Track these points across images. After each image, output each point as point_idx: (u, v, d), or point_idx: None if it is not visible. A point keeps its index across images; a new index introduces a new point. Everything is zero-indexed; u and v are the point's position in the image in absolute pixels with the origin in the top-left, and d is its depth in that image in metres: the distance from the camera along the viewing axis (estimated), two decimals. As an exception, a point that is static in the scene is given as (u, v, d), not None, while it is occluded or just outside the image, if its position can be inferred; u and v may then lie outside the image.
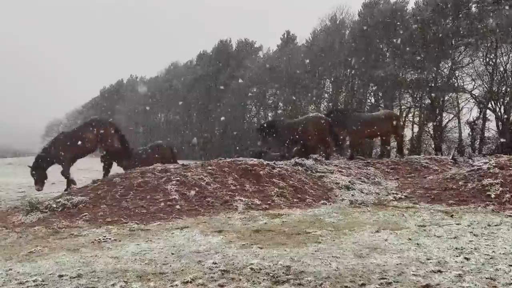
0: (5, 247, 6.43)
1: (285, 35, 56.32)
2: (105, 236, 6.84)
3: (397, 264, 4.99)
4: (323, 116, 16.47)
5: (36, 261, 5.44)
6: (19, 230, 7.69)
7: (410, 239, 6.25)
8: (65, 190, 11.90)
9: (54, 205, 8.93)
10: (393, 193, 10.76)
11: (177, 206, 8.90)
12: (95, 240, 6.63)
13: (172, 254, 5.62)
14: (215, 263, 5.07)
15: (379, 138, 17.55)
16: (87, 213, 8.50)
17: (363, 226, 7.26)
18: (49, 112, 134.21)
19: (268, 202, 9.53)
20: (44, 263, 5.28)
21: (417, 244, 5.94)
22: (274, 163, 12.20)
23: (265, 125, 16.62)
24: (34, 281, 4.55)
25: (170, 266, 5.07)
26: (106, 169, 13.73)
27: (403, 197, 10.43)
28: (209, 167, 11.09)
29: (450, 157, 15.63)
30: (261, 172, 10.90)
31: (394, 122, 16.34)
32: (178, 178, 10.12)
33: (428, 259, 5.17)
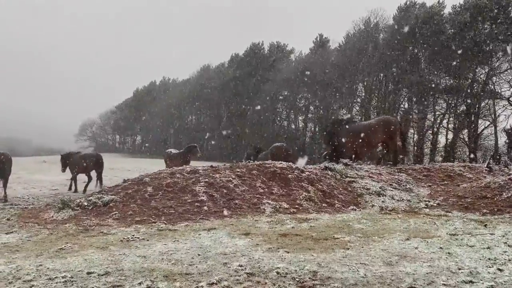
0: (36, 243, 6.58)
1: (318, 38, 55.97)
2: (133, 235, 6.92)
3: (427, 273, 4.84)
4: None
5: (65, 257, 5.53)
6: (50, 227, 7.87)
7: (441, 247, 6.07)
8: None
9: (85, 203, 9.10)
10: (425, 201, 10.52)
11: (205, 208, 8.93)
12: (124, 238, 6.71)
13: (199, 255, 5.63)
14: (241, 266, 5.05)
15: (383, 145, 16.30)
16: (117, 212, 8.64)
17: (393, 233, 7.10)
18: (83, 113, 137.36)
19: (296, 206, 9.46)
20: (73, 260, 5.36)
21: (448, 253, 5.76)
22: (304, 167, 12.11)
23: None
24: (63, 277, 4.63)
25: (196, 267, 5.07)
26: None
27: (435, 204, 10.16)
28: (238, 170, 11.10)
29: (485, 165, 15.12)
30: (290, 176, 10.84)
31: (391, 128, 15.17)
32: (207, 180, 10.17)
33: (460, 269, 5.01)
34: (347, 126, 15.52)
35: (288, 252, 5.72)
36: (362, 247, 6.11)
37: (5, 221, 8.55)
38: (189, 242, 6.42)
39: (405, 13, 41.35)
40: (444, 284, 4.49)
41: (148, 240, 6.66)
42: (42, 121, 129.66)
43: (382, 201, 10.29)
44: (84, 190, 14.52)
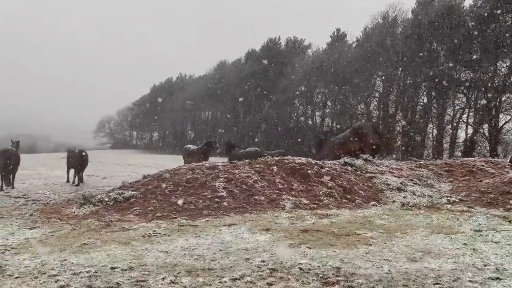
0: (60, 238, 6.66)
1: (335, 33, 55.47)
2: (155, 231, 6.96)
3: (452, 270, 4.78)
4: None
5: (89, 252, 5.59)
6: (72, 222, 7.97)
7: (465, 244, 5.98)
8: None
9: (107, 199, 9.19)
10: (447, 196, 10.38)
11: (225, 203, 8.95)
12: (146, 234, 6.76)
13: (220, 250, 5.63)
14: (263, 261, 5.04)
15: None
16: (137, 208, 8.70)
17: (415, 229, 7.02)
18: (103, 109, 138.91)
19: (316, 201, 9.41)
20: (96, 255, 5.41)
21: (473, 249, 5.68)
22: (323, 162, 12.04)
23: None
24: (87, 272, 4.67)
25: (219, 262, 5.08)
26: None
27: (457, 200, 10.01)
28: (257, 165, 11.09)
29: (508, 160, 14.85)
30: (309, 172, 10.78)
31: (363, 135, 15.95)
32: (226, 176, 10.18)
33: (485, 266, 4.93)
34: (331, 139, 17.59)
35: (310, 248, 5.70)
36: (385, 243, 6.06)
37: (28, 217, 8.68)
38: (210, 238, 6.43)
39: (424, 7, 40.70)
40: (470, 281, 4.42)
41: (169, 235, 6.69)
42: (62, 119, 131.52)
43: (403, 197, 10.19)
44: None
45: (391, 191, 10.62)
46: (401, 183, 11.04)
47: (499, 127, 34.32)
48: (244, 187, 9.77)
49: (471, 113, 37.41)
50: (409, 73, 41.57)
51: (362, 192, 10.36)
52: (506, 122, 34.74)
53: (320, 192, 9.87)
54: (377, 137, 16.56)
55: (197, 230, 7.04)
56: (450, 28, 36.66)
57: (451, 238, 6.33)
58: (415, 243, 6.02)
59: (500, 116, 34.70)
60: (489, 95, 33.83)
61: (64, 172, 17.31)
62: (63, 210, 9.16)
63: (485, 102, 35.09)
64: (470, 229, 7.02)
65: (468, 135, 36.35)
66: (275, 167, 10.96)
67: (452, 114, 38.52)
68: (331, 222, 7.68)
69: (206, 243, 6.05)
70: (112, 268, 4.82)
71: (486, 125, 35.25)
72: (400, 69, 43.38)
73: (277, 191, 9.75)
